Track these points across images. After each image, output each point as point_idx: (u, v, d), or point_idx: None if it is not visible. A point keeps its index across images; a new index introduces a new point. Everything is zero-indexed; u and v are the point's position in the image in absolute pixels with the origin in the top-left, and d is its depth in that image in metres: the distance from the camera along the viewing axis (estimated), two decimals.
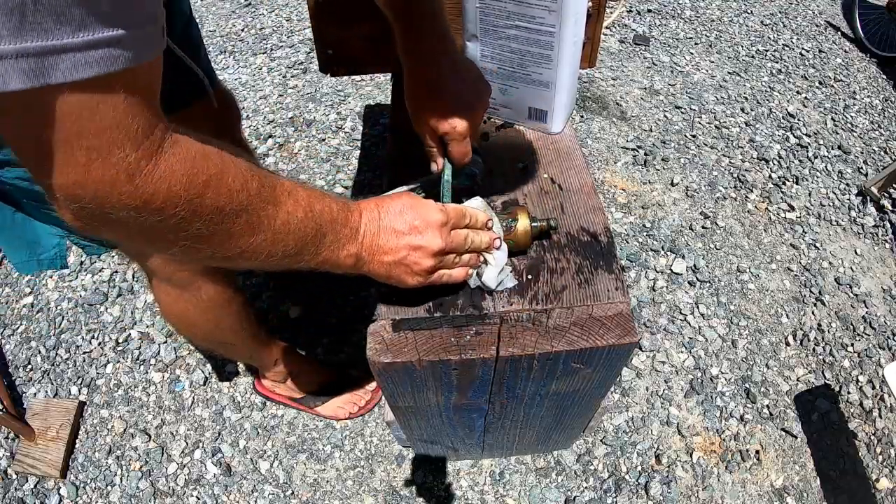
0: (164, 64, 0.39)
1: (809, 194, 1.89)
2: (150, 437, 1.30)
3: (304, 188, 0.52)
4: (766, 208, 1.85)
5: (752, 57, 2.55)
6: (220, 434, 1.31)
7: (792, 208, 1.84)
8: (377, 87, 2.27)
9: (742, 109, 2.23)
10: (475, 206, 0.67)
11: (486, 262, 0.66)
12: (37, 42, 0.29)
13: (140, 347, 1.45)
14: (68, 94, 0.32)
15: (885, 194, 1.85)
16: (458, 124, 0.67)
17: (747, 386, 1.40)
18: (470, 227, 0.63)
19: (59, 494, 1.21)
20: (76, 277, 1.61)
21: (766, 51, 2.60)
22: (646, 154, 1.99)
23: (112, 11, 0.31)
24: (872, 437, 1.31)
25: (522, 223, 0.69)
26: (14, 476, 1.24)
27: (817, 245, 1.73)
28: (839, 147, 2.07)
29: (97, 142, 0.34)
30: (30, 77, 0.30)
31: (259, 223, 0.46)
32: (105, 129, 0.34)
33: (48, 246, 0.80)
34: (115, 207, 0.37)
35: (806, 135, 2.11)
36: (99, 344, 1.46)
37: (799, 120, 2.18)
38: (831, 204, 1.87)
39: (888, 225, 1.79)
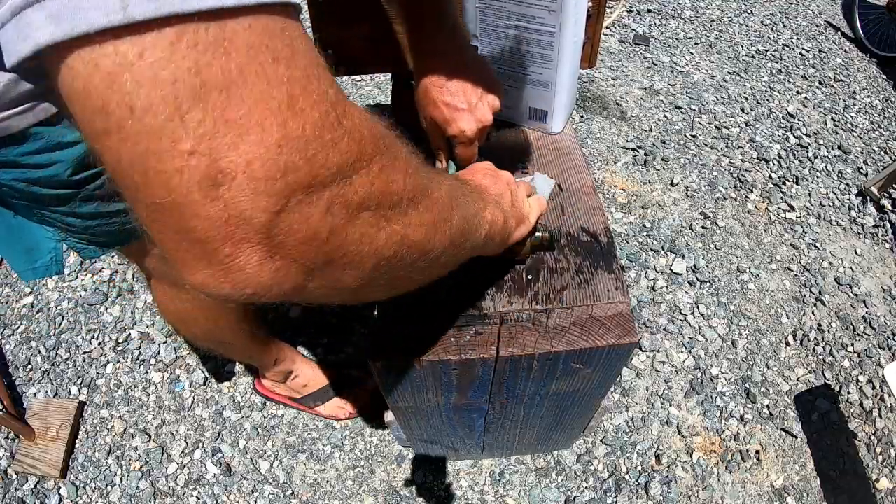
0: None
1: (809, 194, 1.89)
2: (150, 437, 1.30)
3: (437, 174, 0.44)
4: (766, 208, 1.85)
5: (752, 57, 2.55)
6: (220, 434, 1.31)
7: (792, 208, 1.84)
8: (377, 87, 2.27)
9: (742, 109, 2.23)
10: (540, 186, 0.78)
11: None
12: None
13: (140, 347, 1.45)
14: (261, 11, 0.23)
15: (885, 194, 1.85)
16: (467, 128, 0.66)
17: (747, 386, 1.40)
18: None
19: (59, 494, 1.21)
20: (76, 277, 1.61)
21: (766, 51, 2.60)
22: (646, 154, 1.99)
23: None
24: (872, 437, 1.31)
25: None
26: (14, 476, 1.24)
27: (817, 245, 1.73)
28: (839, 147, 2.07)
29: (295, 68, 0.24)
30: None
31: (431, 179, 0.39)
32: (301, 53, 0.25)
33: (44, 251, 0.79)
34: (334, 165, 0.26)
35: (806, 135, 2.11)
36: (99, 344, 1.46)
37: (799, 120, 2.18)
38: (831, 204, 1.87)
39: (888, 225, 1.79)
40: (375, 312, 0.69)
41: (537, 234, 0.69)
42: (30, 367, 1.43)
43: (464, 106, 0.66)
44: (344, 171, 0.27)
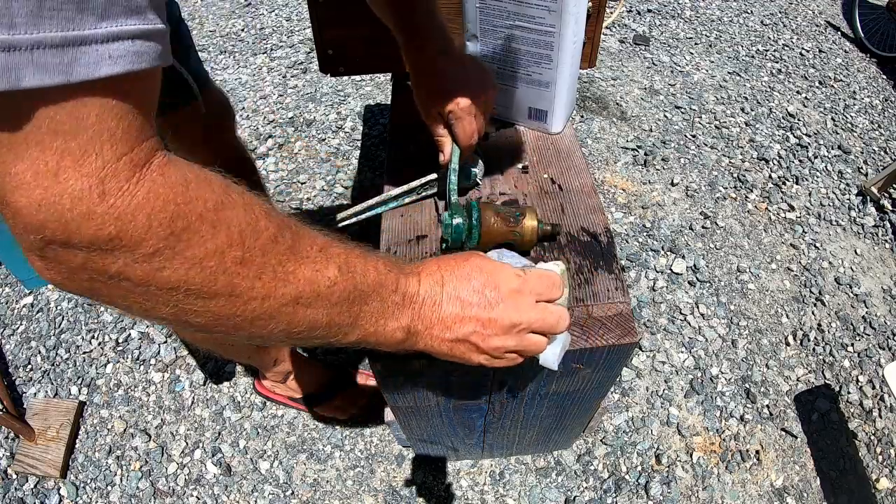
0: None
1: (809, 194, 1.89)
2: (150, 437, 1.30)
3: (342, 245, 0.42)
4: (766, 208, 1.85)
5: (752, 57, 2.55)
6: (220, 434, 1.31)
7: (792, 208, 1.84)
8: (377, 87, 2.27)
9: (742, 109, 2.23)
10: (556, 271, 0.56)
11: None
12: (56, 31, 0.25)
13: (140, 347, 1.45)
14: (76, 93, 0.27)
15: (885, 194, 1.85)
16: (462, 101, 0.67)
17: (747, 386, 1.40)
18: (548, 298, 0.51)
19: (59, 494, 1.21)
20: None
21: (766, 51, 2.60)
22: (646, 154, 2.00)
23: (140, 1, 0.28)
24: (872, 437, 1.31)
25: (530, 222, 0.68)
26: (14, 476, 1.24)
27: (817, 245, 1.73)
28: (839, 147, 2.07)
29: (74, 142, 0.28)
30: (47, 72, 0.25)
31: (274, 279, 0.35)
32: (86, 129, 0.28)
33: None
34: (84, 240, 0.29)
35: (806, 135, 2.11)
36: (99, 344, 1.46)
37: (799, 120, 2.18)
38: (831, 204, 1.87)
39: (888, 225, 1.79)
40: None
41: (542, 225, 0.69)
42: (30, 367, 1.43)
43: (458, 84, 0.68)
44: (99, 244, 0.30)
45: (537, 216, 0.69)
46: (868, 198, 1.86)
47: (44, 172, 0.27)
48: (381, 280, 0.43)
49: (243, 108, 2.17)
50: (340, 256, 0.40)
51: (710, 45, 2.61)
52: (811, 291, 1.61)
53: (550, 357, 0.54)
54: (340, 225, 0.75)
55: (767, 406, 1.37)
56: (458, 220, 0.67)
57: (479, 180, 0.80)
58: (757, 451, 1.29)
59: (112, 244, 0.30)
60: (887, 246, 1.74)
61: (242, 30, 2.64)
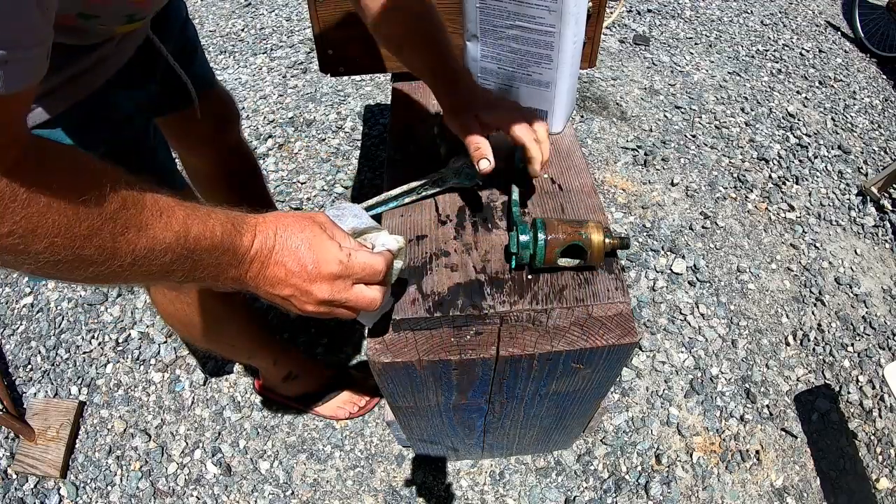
0: (156, 67, 0.37)
1: (809, 194, 1.89)
2: (150, 437, 1.30)
3: (185, 207, 0.47)
4: (766, 208, 1.85)
5: (752, 57, 2.55)
6: (220, 434, 1.31)
7: (792, 208, 1.84)
8: (377, 87, 2.27)
9: (742, 109, 2.23)
10: (391, 247, 0.59)
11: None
12: None
13: (140, 347, 1.45)
14: None
15: (885, 194, 1.85)
16: (538, 127, 0.69)
17: (747, 386, 1.40)
18: (366, 281, 0.56)
19: (59, 494, 1.21)
20: None
21: (766, 51, 2.60)
22: (646, 154, 2.00)
23: None
24: (872, 437, 1.31)
25: (596, 237, 0.66)
26: (14, 476, 1.24)
27: (817, 245, 1.73)
28: (839, 147, 2.07)
29: None
30: None
31: (114, 249, 0.41)
32: None
33: None
34: None
35: (806, 135, 2.11)
36: (99, 344, 1.46)
37: (799, 120, 2.19)
38: (831, 204, 1.87)
39: (888, 225, 1.79)
40: None
41: (608, 240, 0.67)
42: (30, 367, 1.43)
43: (514, 107, 0.72)
44: None
45: (603, 230, 0.67)
46: (868, 198, 1.86)
47: None
48: (216, 243, 0.48)
49: (243, 108, 2.17)
50: (180, 221, 0.45)
51: (710, 45, 2.61)
52: (811, 291, 1.61)
53: (365, 319, 0.62)
54: None
55: (767, 406, 1.37)
56: (524, 238, 0.67)
57: (479, 181, 0.80)
58: (757, 451, 1.29)
59: None
60: (887, 246, 1.74)
61: (242, 30, 2.64)
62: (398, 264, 0.60)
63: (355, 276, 0.54)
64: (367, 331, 0.68)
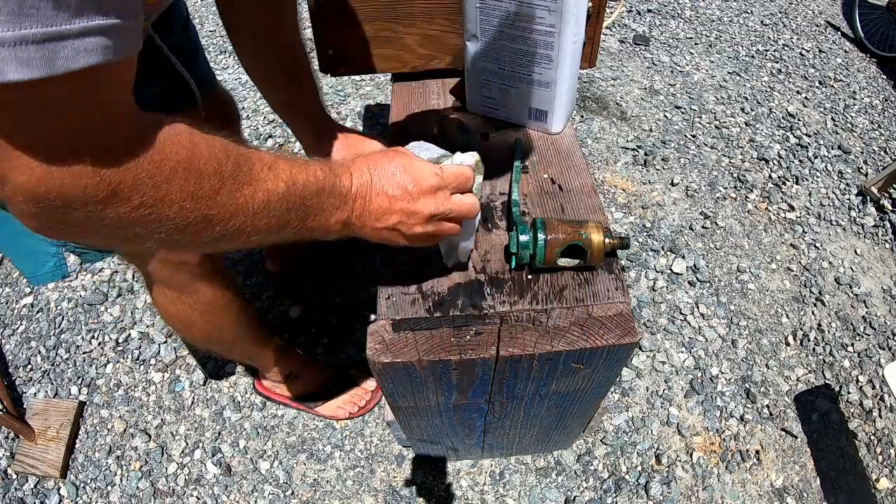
0: (159, 67, 0.38)
1: (809, 194, 1.89)
2: (150, 437, 1.30)
3: (286, 160, 0.49)
4: (766, 208, 1.85)
5: (752, 57, 2.55)
6: (220, 434, 1.31)
7: (792, 208, 1.84)
8: (377, 87, 2.27)
9: (742, 109, 2.23)
10: (469, 163, 0.62)
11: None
12: (37, 28, 0.27)
13: (140, 347, 1.45)
14: (59, 84, 0.30)
15: (885, 194, 1.85)
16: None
17: (747, 386, 1.40)
18: (461, 190, 0.59)
19: (59, 494, 1.21)
20: (76, 277, 1.61)
21: (766, 51, 2.60)
22: (646, 154, 1.99)
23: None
24: (872, 437, 1.31)
25: (596, 237, 0.67)
26: (14, 476, 1.24)
27: (817, 245, 1.73)
28: (839, 147, 2.07)
29: (71, 126, 0.32)
30: (30, 66, 0.28)
31: (236, 206, 0.44)
32: (78, 116, 0.33)
33: (47, 255, 0.79)
34: (81, 202, 0.35)
35: (806, 135, 2.11)
36: (99, 344, 1.46)
37: (799, 120, 2.18)
38: (831, 204, 1.87)
39: (888, 225, 1.79)
40: (376, 312, 0.69)
41: (608, 240, 0.67)
42: (30, 367, 1.43)
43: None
44: (95, 201, 0.35)
45: (604, 230, 0.68)
46: (868, 198, 1.86)
47: (48, 151, 0.32)
48: (321, 186, 0.50)
49: (243, 107, 2.17)
50: (286, 171, 0.47)
51: (710, 45, 2.61)
52: (811, 291, 1.61)
53: (466, 247, 0.67)
54: None
55: (767, 406, 1.37)
56: (524, 238, 0.67)
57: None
58: (757, 451, 1.29)
59: (106, 203, 0.36)
60: (887, 246, 1.74)
61: None
62: (478, 178, 0.63)
63: (451, 186, 0.57)
64: (450, 265, 0.70)
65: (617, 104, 2.22)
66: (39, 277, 0.77)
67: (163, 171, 0.38)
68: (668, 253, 1.69)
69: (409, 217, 0.55)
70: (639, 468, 1.26)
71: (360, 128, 2.08)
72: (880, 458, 1.28)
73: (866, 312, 1.56)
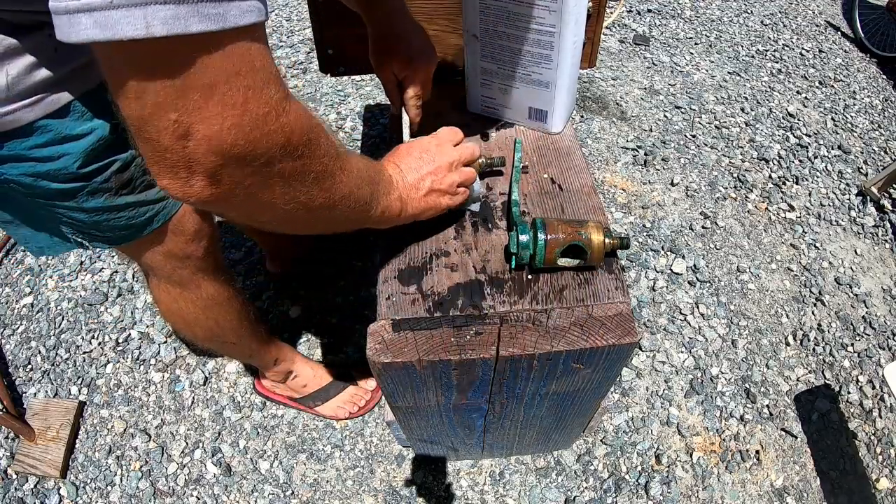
0: None
1: (809, 194, 1.89)
2: (150, 437, 1.30)
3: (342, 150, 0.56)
4: (766, 208, 1.85)
5: (752, 57, 2.55)
6: (220, 434, 1.31)
7: (792, 208, 1.84)
8: (377, 87, 2.27)
9: (742, 109, 2.23)
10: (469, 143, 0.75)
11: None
12: None
13: (140, 347, 1.45)
14: (234, 38, 0.34)
15: (885, 194, 1.85)
16: (417, 68, 0.79)
17: (747, 386, 1.40)
18: (468, 163, 0.73)
19: (59, 494, 1.21)
20: (76, 277, 1.61)
21: (766, 51, 2.60)
22: (646, 154, 2.00)
23: None
24: (872, 437, 1.31)
25: (597, 237, 0.67)
26: (14, 476, 1.24)
27: (817, 245, 1.73)
28: (839, 147, 2.07)
29: (253, 80, 0.36)
30: (210, 20, 0.32)
31: (344, 168, 0.50)
32: (258, 70, 0.37)
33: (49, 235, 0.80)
34: (265, 147, 0.39)
35: (806, 135, 2.11)
36: (99, 344, 1.46)
37: (799, 120, 2.19)
38: (831, 204, 1.87)
39: (888, 225, 1.79)
40: (376, 312, 0.69)
41: (608, 240, 0.68)
42: (30, 367, 1.43)
43: (414, 53, 0.79)
44: (272, 154, 0.40)
45: (604, 230, 0.68)
46: (868, 198, 1.86)
47: (232, 104, 0.36)
48: (375, 167, 0.60)
49: None
50: (354, 160, 0.54)
51: (710, 45, 2.61)
52: (811, 291, 1.61)
53: (476, 189, 0.76)
54: None
55: (767, 406, 1.37)
56: (524, 238, 0.67)
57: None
58: (757, 451, 1.29)
59: (281, 152, 0.41)
60: (887, 246, 1.74)
61: None
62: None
63: (447, 139, 0.72)
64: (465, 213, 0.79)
65: (617, 104, 2.22)
66: (50, 248, 0.78)
67: (312, 126, 0.43)
68: (668, 253, 1.69)
69: (436, 173, 0.67)
70: (639, 468, 1.26)
71: (361, 128, 2.08)
72: (880, 458, 1.28)
73: (866, 312, 1.56)
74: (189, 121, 0.35)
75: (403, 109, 0.84)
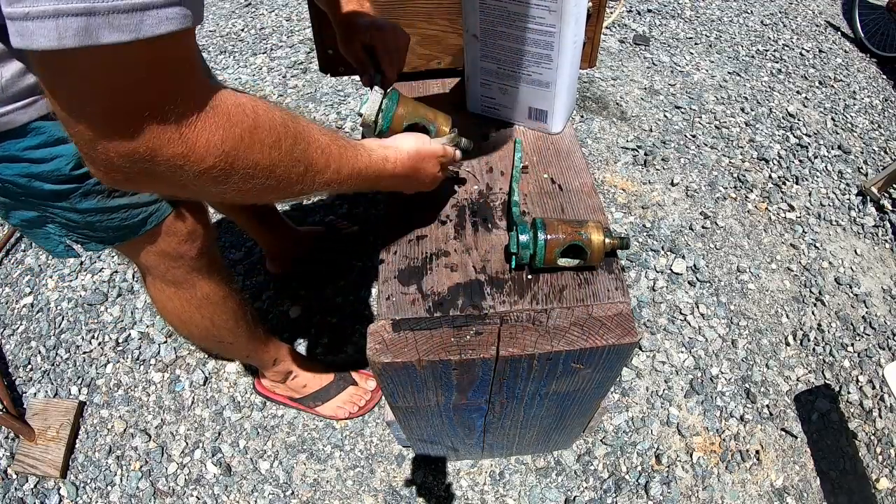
0: None
1: (809, 194, 1.89)
2: (150, 437, 1.30)
3: (338, 146, 0.56)
4: (766, 208, 1.85)
5: (752, 57, 2.55)
6: (220, 434, 1.31)
7: (792, 208, 1.84)
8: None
9: (742, 109, 2.23)
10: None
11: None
12: (126, 0, 0.32)
13: (140, 347, 1.45)
14: (148, 47, 0.34)
15: (885, 194, 1.85)
16: (386, 33, 0.78)
17: (747, 386, 1.40)
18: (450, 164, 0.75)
19: (59, 494, 1.21)
20: (76, 277, 1.61)
21: (766, 51, 2.60)
22: (646, 154, 2.00)
23: None
24: (872, 437, 1.31)
25: (596, 237, 0.67)
26: (14, 476, 1.24)
27: (817, 245, 1.73)
28: (839, 147, 2.07)
29: (156, 97, 0.36)
30: (121, 31, 0.32)
31: (294, 176, 0.50)
32: (162, 84, 0.37)
33: (56, 240, 0.80)
34: (165, 160, 0.39)
35: (806, 135, 2.11)
36: (99, 344, 1.46)
37: (799, 120, 2.18)
38: (831, 204, 1.87)
39: (888, 225, 1.79)
40: (376, 312, 0.69)
41: (607, 240, 0.68)
42: (30, 367, 1.43)
43: (383, 23, 0.79)
44: (168, 160, 0.40)
45: (604, 230, 0.68)
46: (868, 198, 1.86)
47: (137, 116, 0.36)
48: (369, 170, 0.62)
49: None
50: (336, 160, 0.55)
51: (710, 45, 2.61)
52: (811, 291, 1.61)
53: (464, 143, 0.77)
54: None
55: (767, 406, 1.37)
56: (524, 238, 0.67)
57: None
58: (757, 451, 1.29)
59: (186, 160, 0.40)
60: (887, 246, 1.74)
61: (242, 30, 2.64)
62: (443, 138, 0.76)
63: (447, 158, 0.74)
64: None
65: (617, 104, 2.22)
66: (59, 253, 0.80)
67: (231, 138, 0.42)
68: (668, 253, 1.69)
69: (426, 161, 0.69)
70: (639, 468, 1.26)
71: (360, 128, 2.08)
72: (880, 458, 1.28)
73: (866, 312, 1.56)
74: (94, 134, 0.36)
75: (376, 86, 0.81)
